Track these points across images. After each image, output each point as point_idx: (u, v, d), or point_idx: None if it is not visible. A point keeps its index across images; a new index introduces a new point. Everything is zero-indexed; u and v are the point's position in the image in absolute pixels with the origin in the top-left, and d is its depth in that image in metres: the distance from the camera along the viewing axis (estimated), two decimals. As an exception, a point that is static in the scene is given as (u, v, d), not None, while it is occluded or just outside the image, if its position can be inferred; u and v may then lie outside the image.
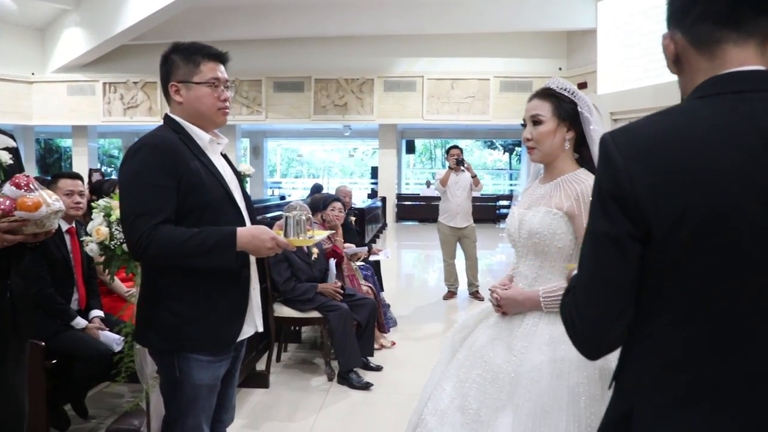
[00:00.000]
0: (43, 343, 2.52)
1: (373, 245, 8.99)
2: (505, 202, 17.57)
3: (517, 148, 21.07)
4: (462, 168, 6.30)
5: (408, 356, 4.52)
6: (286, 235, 1.92)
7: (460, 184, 6.28)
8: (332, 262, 4.30)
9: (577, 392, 1.63)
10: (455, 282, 6.51)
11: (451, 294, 6.49)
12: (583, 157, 1.87)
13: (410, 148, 19.49)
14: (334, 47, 13.94)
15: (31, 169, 16.63)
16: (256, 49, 14.03)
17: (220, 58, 1.89)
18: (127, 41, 12.79)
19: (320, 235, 1.88)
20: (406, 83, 14.28)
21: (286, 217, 1.85)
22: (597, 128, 1.82)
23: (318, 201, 4.62)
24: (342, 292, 4.09)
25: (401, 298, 6.35)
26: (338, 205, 4.58)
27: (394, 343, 4.74)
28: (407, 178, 20.33)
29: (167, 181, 1.72)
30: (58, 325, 2.93)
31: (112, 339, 2.98)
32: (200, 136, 1.85)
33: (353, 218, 6.36)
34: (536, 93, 1.88)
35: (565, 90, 1.84)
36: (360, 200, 14.24)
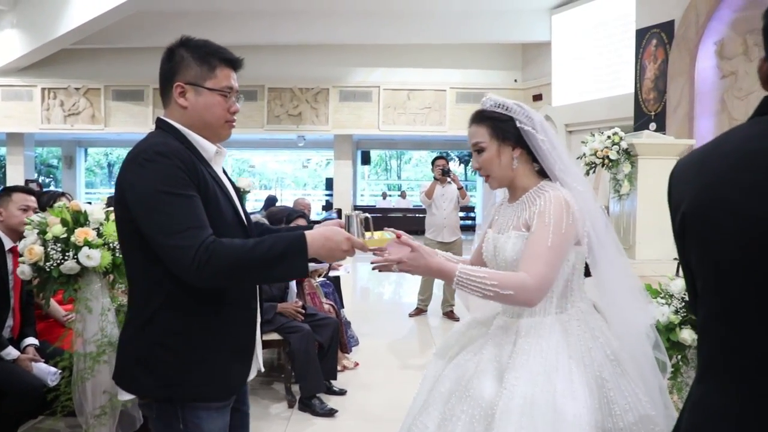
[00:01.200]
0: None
1: (331, 259, 8.80)
2: (461, 214, 17.63)
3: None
4: (448, 179, 6.14)
5: (372, 378, 4.37)
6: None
7: (447, 196, 6.11)
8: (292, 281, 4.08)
9: (577, 425, 1.48)
10: (428, 299, 6.31)
11: (419, 311, 6.29)
12: (541, 167, 1.77)
13: (366, 159, 19.40)
14: (289, 55, 13.72)
15: (-39, 179, 15.74)
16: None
17: (237, 64, 1.67)
18: (69, 45, 12.25)
19: (389, 234, 1.65)
20: (362, 93, 14.21)
21: (349, 217, 1.65)
22: (545, 137, 1.72)
23: (278, 215, 4.40)
24: (303, 311, 3.90)
25: (362, 315, 6.16)
26: (302, 221, 4.37)
27: (357, 364, 4.57)
28: (363, 190, 20.26)
29: (191, 190, 1.49)
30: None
31: (47, 372, 2.67)
32: (206, 147, 1.63)
33: (312, 232, 6.15)
34: (472, 118, 1.79)
35: (499, 107, 1.74)
36: (314, 212, 14.02)
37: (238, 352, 1.61)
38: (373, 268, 1.60)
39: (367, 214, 1.66)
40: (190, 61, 1.60)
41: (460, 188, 6.12)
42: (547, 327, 1.65)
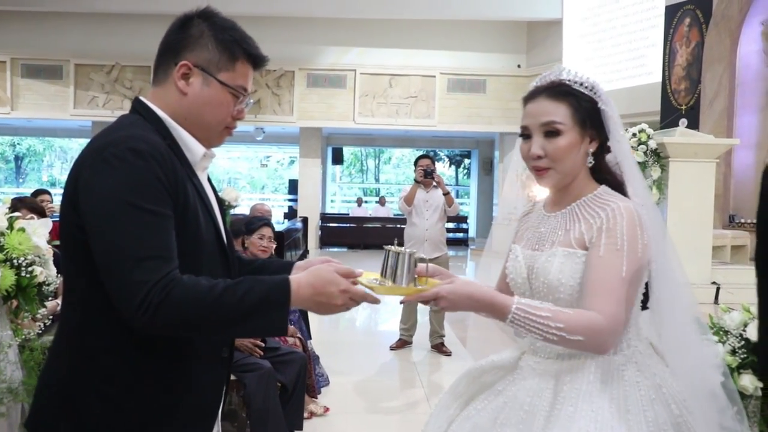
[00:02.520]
0: None
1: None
2: (450, 225, 17.66)
3: (465, 160, 21.35)
4: (432, 183, 6.08)
5: (346, 426, 4.32)
6: (389, 276, 1.59)
7: (431, 203, 6.07)
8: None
9: None
10: (412, 328, 6.26)
11: (402, 343, 6.23)
12: (600, 168, 1.68)
13: (337, 158, 19.43)
14: (245, 29, 13.44)
15: None
16: (144, 27, 13.49)
17: (261, 63, 1.63)
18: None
19: (433, 286, 1.53)
20: (335, 78, 14.27)
21: (397, 255, 1.53)
22: (620, 130, 1.66)
23: (234, 225, 4.30)
24: (262, 345, 3.79)
25: (333, 348, 6.07)
26: (268, 231, 4.29)
27: (327, 409, 4.51)
28: (333, 195, 20.33)
29: (166, 208, 1.39)
30: None
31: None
32: (193, 148, 1.55)
33: (273, 244, 6.04)
34: (543, 89, 1.65)
35: (581, 84, 1.63)
36: (275, 221, 13.92)
37: (199, 416, 1.52)
38: (401, 302, 1.56)
39: (422, 255, 1.57)
40: (211, 40, 1.54)
41: (446, 194, 6.09)
42: (599, 374, 1.56)
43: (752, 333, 1.99)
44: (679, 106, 8.93)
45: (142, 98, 1.55)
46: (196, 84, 1.51)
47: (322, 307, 1.44)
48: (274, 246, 4.42)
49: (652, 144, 5.22)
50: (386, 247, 1.61)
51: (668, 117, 8.88)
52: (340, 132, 16.84)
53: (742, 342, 2.03)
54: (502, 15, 12.90)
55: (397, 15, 13.04)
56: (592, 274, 1.52)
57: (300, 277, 1.44)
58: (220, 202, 1.70)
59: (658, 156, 5.22)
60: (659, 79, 9.16)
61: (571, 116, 1.60)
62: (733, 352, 2.04)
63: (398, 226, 14.73)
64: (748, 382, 1.98)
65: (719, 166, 8.13)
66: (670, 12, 9.00)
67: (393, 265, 1.55)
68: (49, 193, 6.51)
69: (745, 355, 2.01)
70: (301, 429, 3.93)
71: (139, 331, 1.36)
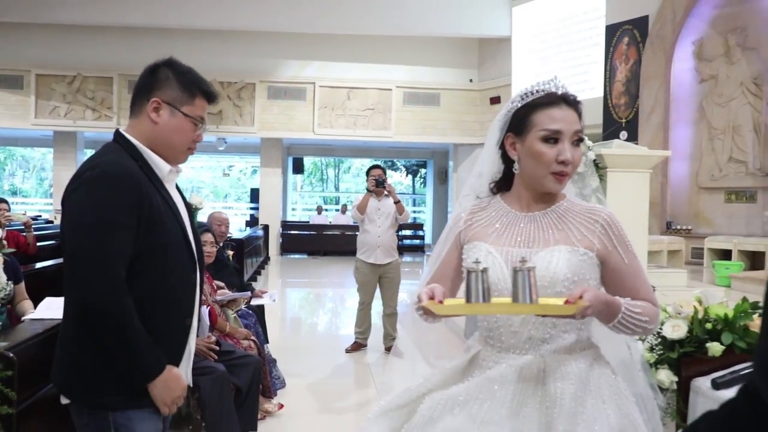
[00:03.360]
0: None
1: (254, 284, 8.59)
2: (408, 232, 17.71)
3: (421, 170, 21.42)
4: (384, 192, 6.09)
5: (300, 425, 4.28)
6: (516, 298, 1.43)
7: (382, 211, 6.07)
8: (205, 310, 3.91)
9: None
10: (367, 331, 6.25)
11: (357, 346, 6.22)
12: None
13: (298, 168, 19.35)
14: (207, 42, 13.59)
15: None
16: (107, 39, 13.41)
17: (213, 99, 2.02)
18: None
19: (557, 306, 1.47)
20: (295, 90, 14.24)
21: (516, 272, 1.41)
22: None
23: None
24: (217, 349, 3.74)
25: (291, 352, 6.02)
26: (208, 237, 4.21)
27: (282, 406, 4.47)
28: (294, 203, 20.22)
29: (131, 220, 1.80)
30: None
31: None
32: (160, 166, 1.93)
33: (230, 252, 5.97)
34: (563, 98, 1.64)
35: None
36: (237, 229, 13.77)
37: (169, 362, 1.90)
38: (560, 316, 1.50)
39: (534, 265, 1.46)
40: (174, 83, 1.93)
41: (397, 202, 6.09)
42: (595, 361, 1.64)
43: (668, 331, 2.05)
44: (619, 119, 9.13)
45: (120, 130, 1.94)
46: (165, 115, 1.90)
47: (161, 398, 1.87)
48: (215, 250, 4.36)
49: (591, 155, 5.29)
50: (477, 266, 1.45)
51: (609, 129, 9.09)
52: (300, 142, 16.78)
53: (659, 339, 2.09)
54: (454, 32, 12.99)
55: (355, 30, 13.06)
56: (630, 278, 1.62)
57: (168, 370, 1.87)
58: (188, 206, 2.05)
59: (597, 166, 5.32)
60: (601, 93, 9.35)
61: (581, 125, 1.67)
62: (651, 348, 2.09)
63: (357, 233, 14.70)
64: (665, 376, 2.04)
65: (657, 176, 8.35)
66: (610, 31, 9.22)
67: (516, 283, 1.42)
68: (6, 202, 6.34)
69: (662, 352, 2.07)
70: (255, 430, 3.89)
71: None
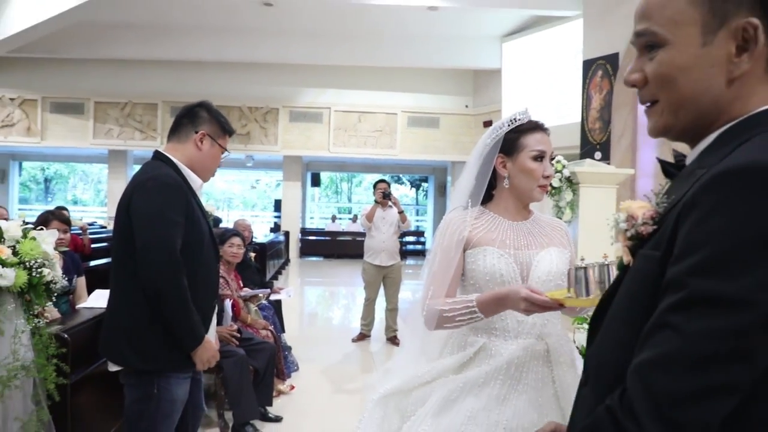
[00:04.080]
0: None
1: (275, 282, 8.69)
2: (411, 238, 17.75)
3: (423, 184, 21.48)
4: (389, 203, 6.19)
5: (310, 403, 4.33)
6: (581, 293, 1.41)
7: (387, 219, 6.14)
8: (228, 302, 4.02)
9: None
10: (371, 323, 6.33)
11: (362, 336, 6.30)
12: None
13: (315, 181, 19.35)
14: (237, 73, 13.68)
15: None
16: (153, 71, 13.52)
17: (232, 134, 2.41)
18: (5, 53, 11.88)
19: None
20: (313, 114, 14.27)
21: (579, 270, 1.40)
22: None
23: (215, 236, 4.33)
24: (238, 336, 3.84)
25: (304, 340, 6.12)
26: (237, 240, 4.32)
27: (293, 387, 4.54)
28: (312, 212, 20.14)
29: (182, 219, 2.09)
30: None
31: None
32: (195, 181, 2.26)
33: (253, 254, 6.08)
34: (540, 125, 1.74)
35: None
36: (262, 234, 13.86)
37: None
38: None
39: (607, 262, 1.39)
40: (214, 121, 2.28)
41: (400, 212, 6.18)
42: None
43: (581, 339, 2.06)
44: (594, 141, 9.15)
45: (160, 150, 2.26)
46: (207, 145, 2.25)
47: (201, 358, 2.17)
48: (242, 251, 4.44)
49: (566, 172, 5.37)
50: (587, 263, 1.40)
51: (585, 150, 9.13)
52: (317, 159, 16.77)
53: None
54: (452, 64, 13.04)
55: (366, 62, 13.09)
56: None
57: (208, 339, 2.18)
58: (204, 212, 2.33)
59: (571, 182, 5.38)
60: (579, 119, 9.37)
61: None
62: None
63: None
64: None
65: (626, 190, 8.39)
66: (587, 65, 9.26)
67: (592, 278, 1.38)
68: (66, 209, 6.48)
69: None
70: (270, 405, 3.98)
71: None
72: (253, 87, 13.89)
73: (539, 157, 1.70)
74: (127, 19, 11.86)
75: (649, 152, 8.50)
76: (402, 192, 23.18)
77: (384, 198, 6.16)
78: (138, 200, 2.09)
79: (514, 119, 1.72)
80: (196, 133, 2.22)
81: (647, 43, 0.88)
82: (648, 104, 0.92)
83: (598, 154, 8.96)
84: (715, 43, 0.82)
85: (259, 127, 14.17)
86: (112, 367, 2.18)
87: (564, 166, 5.41)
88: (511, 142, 1.71)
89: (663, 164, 0.96)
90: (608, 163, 8.46)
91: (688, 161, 0.90)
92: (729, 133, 0.83)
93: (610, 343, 0.87)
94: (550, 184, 5.66)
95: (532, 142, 1.70)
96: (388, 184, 6.39)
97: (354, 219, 17.80)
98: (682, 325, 0.72)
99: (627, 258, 0.89)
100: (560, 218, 5.40)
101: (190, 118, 2.25)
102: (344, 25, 12.01)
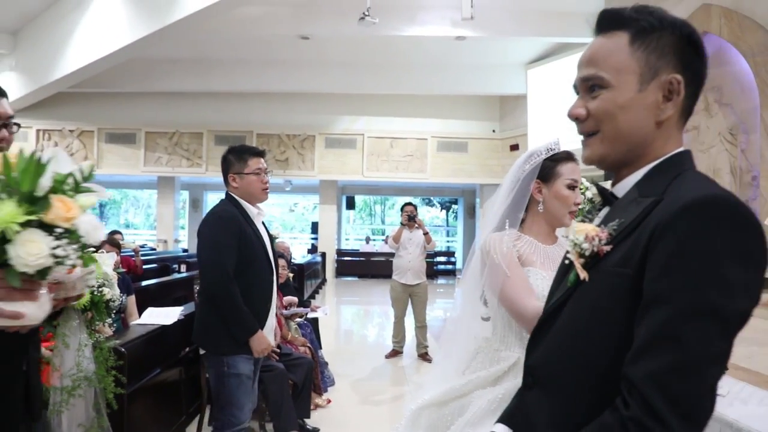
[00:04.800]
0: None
1: (312, 301, 8.79)
2: (442, 258, 17.72)
3: (453, 206, 21.49)
4: (415, 225, 6.27)
5: (346, 416, 4.38)
6: None
7: (414, 240, 6.22)
8: (269, 319, 4.12)
9: None
10: (402, 340, 6.36)
11: (395, 352, 6.33)
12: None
13: (350, 204, 19.49)
14: (276, 103, 14.00)
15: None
16: (198, 102, 13.93)
17: (262, 154, 2.79)
18: (64, 88, 12.43)
19: None
20: (347, 140, 14.42)
21: None
22: None
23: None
24: (278, 351, 3.92)
25: (340, 356, 6.17)
26: (282, 261, 4.45)
27: (329, 401, 4.58)
28: (347, 234, 20.26)
29: (234, 242, 2.62)
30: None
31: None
32: (250, 210, 2.76)
33: (291, 274, 6.20)
34: (575, 157, 1.78)
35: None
36: (300, 255, 14.03)
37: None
38: None
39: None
40: (233, 159, 2.75)
41: (425, 233, 6.26)
42: None
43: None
44: (618, 163, 9.10)
45: (228, 191, 2.78)
46: (238, 181, 2.75)
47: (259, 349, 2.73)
48: (287, 272, 4.56)
49: (589, 194, 5.38)
50: None
51: (609, 173, 9.06)
52: (352, 183, 16.93)
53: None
54: (479, 90, 13.10)
55: (397, 91, 13.23)
56: None
57: (261, 332, 2.69)
58: (270, 235, 2.89)
59: (593, 203, 5.38)
60: (603, 141, 9.32)
61: None
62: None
63: (398, 259, 14.77)
64: None
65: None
66: (610, 89, 9.24)
67: None
68: (120, 233, 6.69)
69: None
70: (309, 417, 4.04)
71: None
72: (291, 116, 14.15)
73: (572, 186, 1.75)
74: (175, 55, 12.31)
75: (672, 173, 8.43)
76: (433, 214, 23.19)
77: (410, 220, 6.24)
78: (201, 229, 2.68)
79: (551, 148, 1.77)
80: (229, 176, 2.74)
81: (592, 85, 1.02)
82: (587, 135, 1.05)
83: (623, 175, 8.91)
84: (648, 90, 0.98)
85: (297, 153, 14.39)
86: (201, 351, 2.98)
87: (587, 188, 5.42)
88: (547, 169, 1.76)
89: (603, 192, 1.08)
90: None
91: (618, 192, 1.03)
92: (658, 169, 0.98)
93: (565, 351, 0.97)
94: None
95: (567, 171, 1.75)
96: (415, 207, 6.46)
97: (386, 240, 17.76)
98: (683, 337, 0.81)
99: (583, 274, 0.97)
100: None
101: (224, 165, 2.78)
102: (376, 56, 12.23)
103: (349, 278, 15.89)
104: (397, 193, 18.59)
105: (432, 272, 16.10)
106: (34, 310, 1.10)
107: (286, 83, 12.84)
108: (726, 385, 2.09)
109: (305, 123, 14.23)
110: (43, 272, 1.06)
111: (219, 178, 2.92)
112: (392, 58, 12.22)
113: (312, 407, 4.23)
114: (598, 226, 0.99)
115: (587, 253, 0.97)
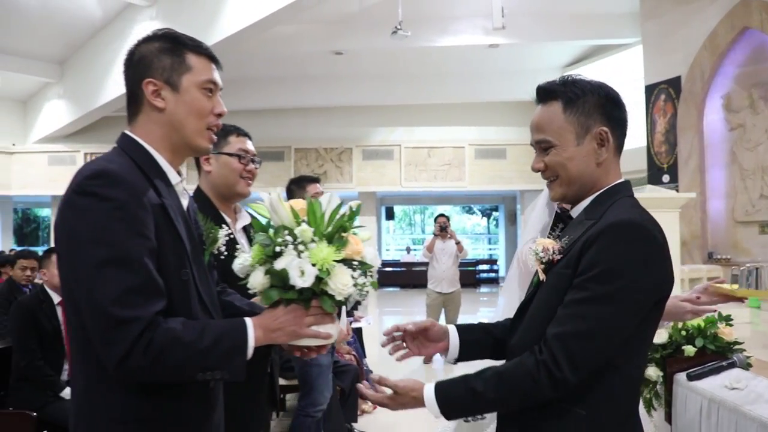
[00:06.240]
0: (35, 414, 2.58)
1: (356, 312, 9.04)
2: (484, 266, 17.75)
3: (494, 213, 21.48)
4: (447, 235, 6.50)
5: (391, 420, 4.55)
6: None
7: (446, 250, 6.45)
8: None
9: None
10: None
11: (430, 357, 6.54)
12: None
13: (390, 215, 19.63)
14: (313, 117, 14.34)
15: (8, 239, 16.49)
16: (237, 120, 13.98)
17: (248, 135, 2.45)
18: (110, 113, 13.07)
19: None
20: (384, 152, 14.61)
21: None
22: None
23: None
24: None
25: (384, 364, 6.34)
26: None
27: (375, 407, 4.76)
28: (387, 245, 20.33)
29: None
30: (47, 396, 2.98)
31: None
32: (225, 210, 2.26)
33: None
34: None
35: None
36: (340, 267, 14.23)
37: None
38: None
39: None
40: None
41: (457, 243, 6.50)
42: None
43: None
44: (661, 164, 9.07)
45: (198, 186, 2.23)
46: (214, 162, 2.37)
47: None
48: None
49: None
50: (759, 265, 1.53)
51: (653, 174, 9.06)
52: (390, 194, 16.99)
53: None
54: (515, 96, 12.98)
55: (432, 100, 13.38)
56: None
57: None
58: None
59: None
60: (644, 143, 9.32)
61: None
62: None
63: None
64: (652, 372, 2.27)
65: (697, 212, 8.27)
66: (649, 90, 9.23)
67: None
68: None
69: (648, 353, 2.32)
70: (356, 421, 4.22)
71: None
72: (328, 129, 14.45)
73: None
74: (215, 76, 12.82)
75: (718, 173, 8.35)
76: (473, 222, 23.21)
77: (441, 231, 6.47)
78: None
79: None
80: (202, 157, 2.27)
81: (544, 146, 1.37)
82: (550, 181, 1.40)
83: (666, 177, 8.87)
84: (585, 143, 1.33)
85: (335, 166, 14.64)
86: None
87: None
88: None
89: (561, 214, 1.53)
90: (677, 186, 8.39)
91: (573, 214, 1.39)
92: (600, 197, 1.34)
93: (533, 335, 1.29)
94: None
95: None
96: (447, 218, 6.68)
97: (407, 250, 17.94)
98: (587, 314, 1.19)
99: (542, 276, 1.32)
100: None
101: None
102: (410, 67, 12.46)
103: (391, 288, 16.00)
104: (436, 202, 18.66)
105: (474, 281, 16.16)
106: (335, 331, 1.36)
107: (322, 97, 13.16)
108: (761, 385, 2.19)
109: (342, 136, 14.49)
110: (344, 300, 1.31)
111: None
112: (426, 67, 12.42)
113: (359, 412, 4.44)
114: (555, 239, 1.32)
115: (544, 260, 1.31)
